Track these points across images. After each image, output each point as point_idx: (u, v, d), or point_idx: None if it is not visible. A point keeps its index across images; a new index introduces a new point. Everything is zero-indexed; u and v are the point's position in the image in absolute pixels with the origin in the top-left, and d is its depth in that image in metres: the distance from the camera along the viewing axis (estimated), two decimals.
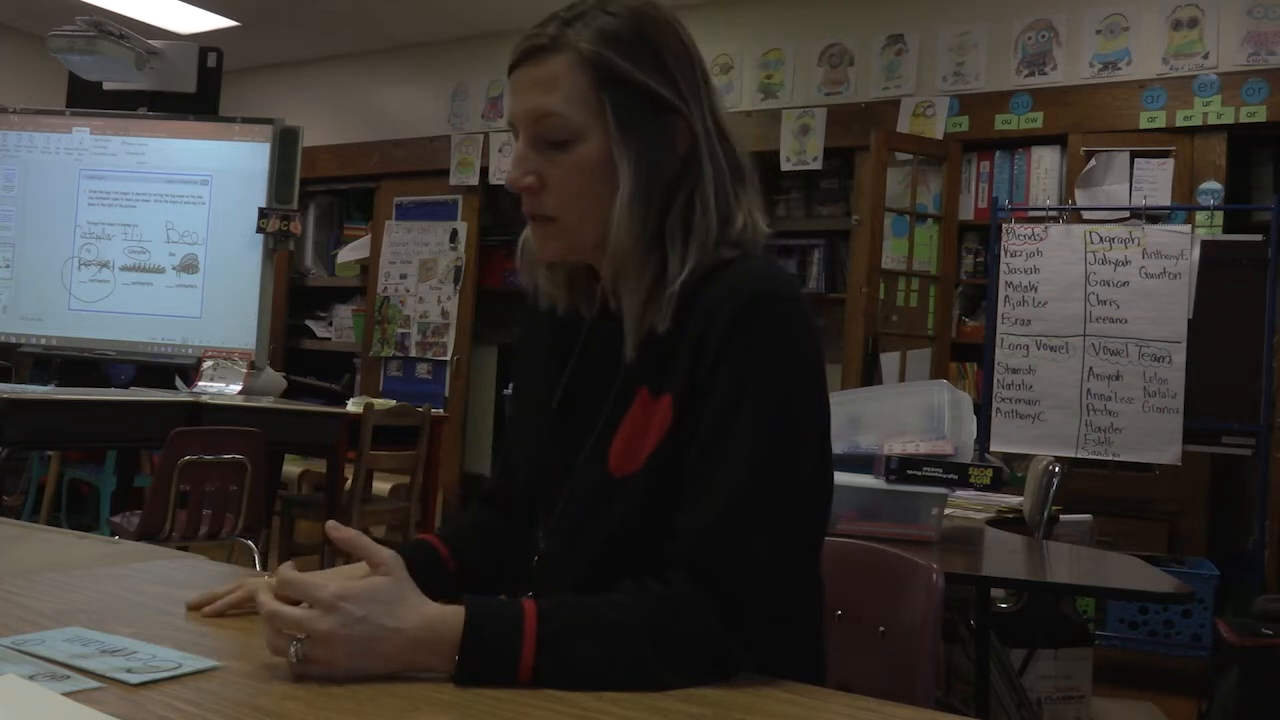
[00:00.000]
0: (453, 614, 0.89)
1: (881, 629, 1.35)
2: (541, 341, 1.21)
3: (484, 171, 5.94)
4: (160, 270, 5.02)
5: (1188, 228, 3.95)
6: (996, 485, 2.24)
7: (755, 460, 0.98)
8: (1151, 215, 4.17)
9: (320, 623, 0.85)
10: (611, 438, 1.07)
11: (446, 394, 5.99)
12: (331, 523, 0.94)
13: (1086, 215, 4.27)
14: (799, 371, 1.02)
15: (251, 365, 4.62)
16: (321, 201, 6.71)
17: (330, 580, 1.07)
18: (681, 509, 0.99)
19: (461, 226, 6.08)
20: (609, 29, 1.03)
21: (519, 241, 1.16)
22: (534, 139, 1.05)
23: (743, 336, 1.00)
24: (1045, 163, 4.55)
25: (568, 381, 1.15)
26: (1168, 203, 4.20)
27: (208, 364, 4.57)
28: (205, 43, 5.35)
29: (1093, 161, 4.36)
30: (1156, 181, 4.26)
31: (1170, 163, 4.25)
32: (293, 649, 0.84)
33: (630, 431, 1.06)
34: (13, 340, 5.02)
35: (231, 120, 5.13)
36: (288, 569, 0.91)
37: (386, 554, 0.92)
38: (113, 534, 3.30)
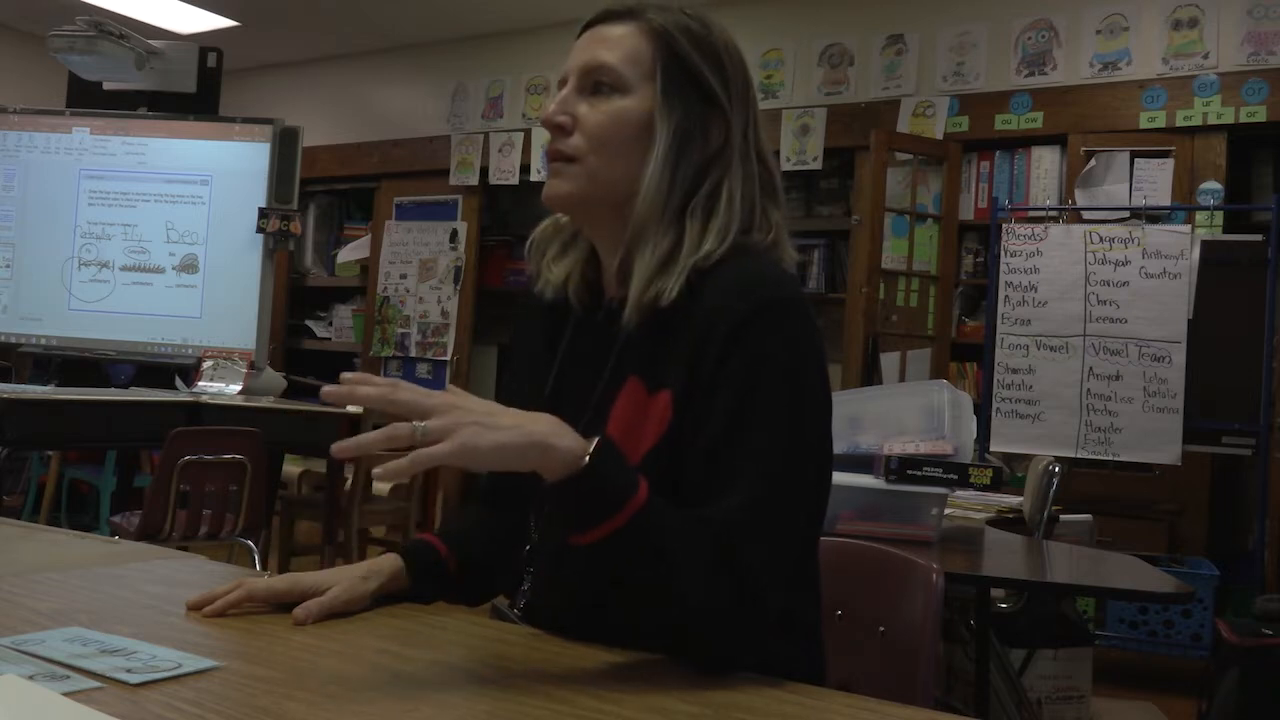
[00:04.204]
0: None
1: (881, 629, 1.35)
2: (535, 335, 1.23)
3: (484, 171, 5.94)
4: (160, 270, 5.01)
5: (1188, 228, 3.95)
6: (996, 485, 2.24)
7: (769, 459, 0.98)
8: (1151, 215, 4.17)
9: (437, 396, 0.89)
10: (602, 427, 1.07)
11: None
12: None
13: (1086, 215, 4.27)
14: (809, 371, 1.03)
15: (251, 365, 4.62)
16: (321, 201, 6.71)
17: (332, 579, 1.08)
18: (690, 506, 0.99)
19: (461, 226, 6.08)
20: (683, 21, 1.13)
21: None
22: (581, 85, 1.12)
23: (753, 336, 1.00)
24: (1045, 163, 4.55)
25: (558, 372, 1.17)
26: (1168, 203, 4.19)
27: (208, 364, 4.57)
28: (205, 43, 5.35)
29: (1093, 161, 4.36)
30: (1156, 181, 4.26)
31: (1170, 163, 4.25)
32: (416, 428, 0.86)
33: (623, 425, 1.06)
34: (13, 340, 5.02)
35: (231, 120, 5.12)
36: (281, 576, 0.93)
37: None
38: (113, 534, 3.30)
